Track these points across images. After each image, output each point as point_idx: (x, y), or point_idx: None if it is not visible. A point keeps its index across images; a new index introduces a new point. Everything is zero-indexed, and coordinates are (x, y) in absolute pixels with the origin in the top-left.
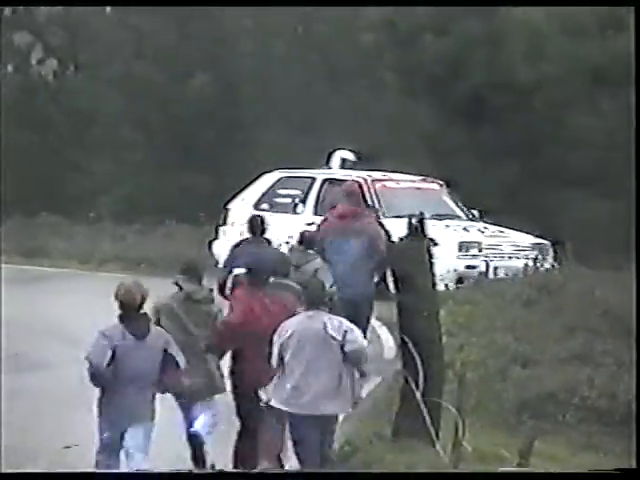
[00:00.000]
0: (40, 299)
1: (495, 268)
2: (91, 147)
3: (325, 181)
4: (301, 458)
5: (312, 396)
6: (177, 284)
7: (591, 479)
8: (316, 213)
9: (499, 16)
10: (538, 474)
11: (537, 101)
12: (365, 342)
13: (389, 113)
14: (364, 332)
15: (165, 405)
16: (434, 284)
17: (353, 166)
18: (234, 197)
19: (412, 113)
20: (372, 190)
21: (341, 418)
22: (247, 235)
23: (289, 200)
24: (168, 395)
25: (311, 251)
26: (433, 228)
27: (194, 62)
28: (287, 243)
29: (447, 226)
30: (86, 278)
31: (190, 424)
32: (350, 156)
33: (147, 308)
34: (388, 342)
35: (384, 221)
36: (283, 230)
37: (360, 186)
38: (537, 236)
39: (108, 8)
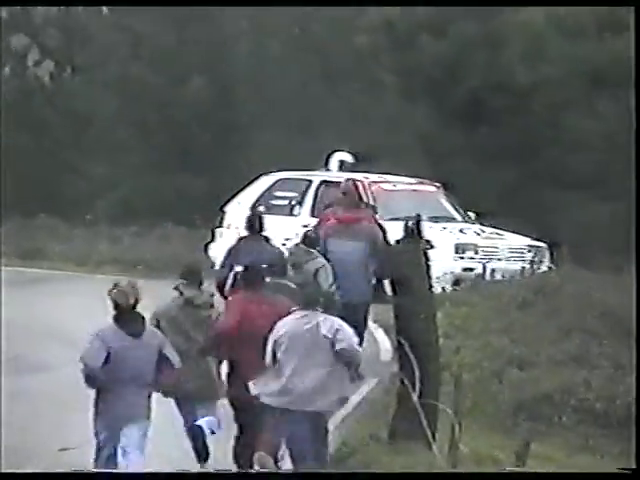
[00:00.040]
0: (38, 301)
1: (492, 270)
2: (88, 149)
3: (322, 183)
4: (293, 456)
5: (300, 393)
6: (177, 289)
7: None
8: (313, 215)
9: (497, 18)
10: (536, 474)
11: (535, 103)
12: (356, 340)
13: (387, 115)
14: (362, 333)
15: (165, 406)
16: (431, 286)
17: (351, 168)
18: (230, 199)
19: (410, 115)
20: (369, 192)
21: (338, 419)
22: (246, 233)
23: (286, 202)
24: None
25: (313, 250)
26: (430, 230)
27: (191, 64)
28: (284, 245)
29: (444, 228)
30: (83, 280)
31: (191, 426)
32: (348, 158)
33: (141, 308)
34: (385, 344)
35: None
36: (280, 232)
37: (357, 185)
38: (534, 238)
39: (105, 10)
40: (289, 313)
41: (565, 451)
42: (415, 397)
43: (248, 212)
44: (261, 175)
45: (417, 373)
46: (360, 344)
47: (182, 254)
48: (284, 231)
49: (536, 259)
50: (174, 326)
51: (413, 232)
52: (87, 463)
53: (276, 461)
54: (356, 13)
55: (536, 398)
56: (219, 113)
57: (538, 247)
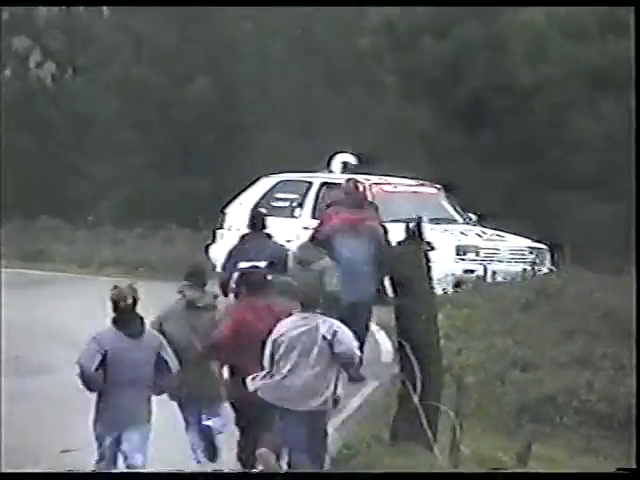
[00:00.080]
0: (40, 303)
1: (493, 272)
2: (90, 151)
3: (323, 185)
4: (289, 457)
5: (295, 391)
6: (181, 291)
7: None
8: (314, 217)
9: (499, 19)
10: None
11: (537, 104)
12: (356, 344)
13: (388, 116)
14: (364, 336)
15: (165, 407)
16: (432, 288)
17: (354, 169)
18: (232, 201)
19: (411, 116)
20: (369, 194)
21: (339, 421)
22: (248, 231)
23: (287, 204)
24: (166, 397)
25: (321, 249)
26: (431, 232)
27: (193, 65)
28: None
29: (445, 230)
30: (86, 282)
31: (201, 427)
32: (351, 159)
33: (144, 310)
34: (386, 346)
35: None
36: (281, 234)
37: (359, 185)
38: (535, 240)
39: (106, 11)
40: (289, 315)
41: (568, 453)
42: (416, 399)
43: (249, 213)
44: (262, 177)
45: (418, 375)
46: (362, 347)
47: (186, 256)
48: (285, 233)
49: (537, 261)
50: (177, 328)
51: (414, 234)
52: (88, 465)
53: (278, 458)
54: (357, 14)
55: (539, 400)
56: (222, 114)
57: (539, 249)
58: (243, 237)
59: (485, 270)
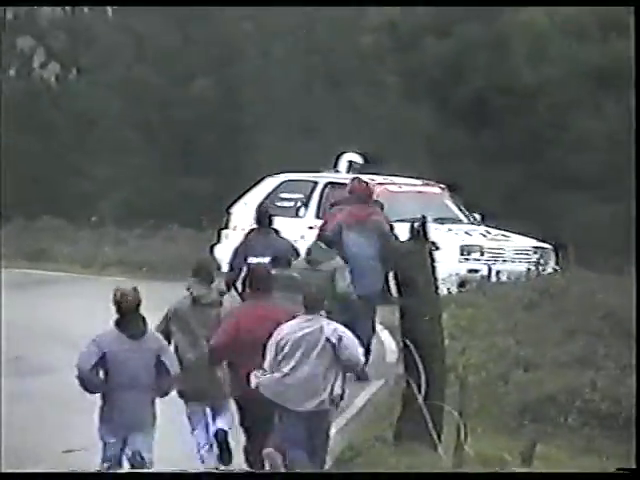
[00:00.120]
0: (42, 303)
1: (497, 272)
2: (93, 151)
3: (327, 184)
4: (290, 457)
5: (295, 391)
6: (188, 288)
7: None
8: (318, 216)
9: (500, 19)
10: (538, 474)
11: (539, 104)
12: (361, 350)
13: (390, 116)
14: (371, 332)
15: (169, 407)
16: (436, 288)
17: (361, 169)
18: (236, 201)
19: (413, 116)
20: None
21: (343, 421)
22: (254, 227)
23: (291, 204)
24: (169, 399)
25: (332, 250)
26: (435, 232)
27: (195, 65)
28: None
29: (449, 230)
30: (88, 282)
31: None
32: (358, 159)
33: (146, 310)
34: (390, 346)
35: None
36: (285, 233)
37: (364, 183)
38: (539, 240)
39: (110, 12)
40: (292, 318)
41: (570, 452)
42: (420, 398)
43: (254, 212)
44: (266, 176)
45: (422, 374)
46: (369, 346)
47: (188, 256)
48: (289, 232)
49: (541, 261)
50: (182, 325)
51: (419, 234)
52: (89, 465)
53: (285, 458)
54: (359, 14)
55: (541, 399)
56: (223, 114)
57: (544, 248)
58: (249, 233)
59: (489, 270)
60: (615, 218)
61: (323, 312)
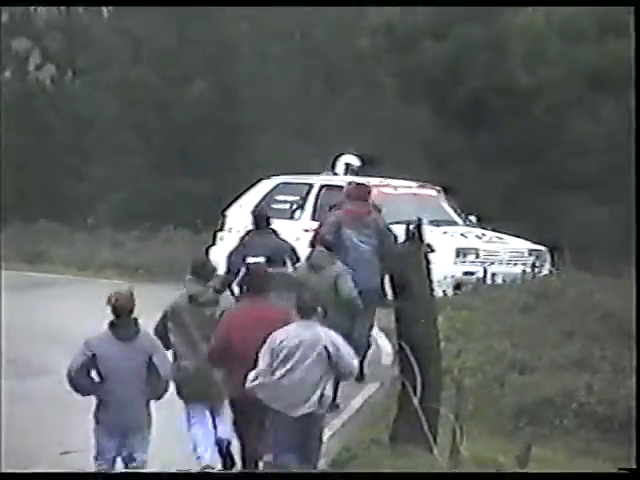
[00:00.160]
0: (40, 305)
1: (493, 274)
2: (89, 152)
3: (323, 187)
4: (280, 461)
5: (288, 396)
6: (185, 287)
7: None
8: (314, 219)
9: (498, 20)
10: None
11: (536, 106)
12: (355, 361)
13: (387, 118)
14: (369, 333)
15: (166, 407)
16: (432, 290)
17: (358, 171)
18: (232, 203)
19: (411, 118)
20: None
21: (339, 423)
22: (251, 228)
23: (287, 206)
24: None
25: (333, 254)
26: (431, 234)
27: (192, 66)
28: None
29: (445, 232)
30: (85, 284)
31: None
32: (355, 161)
33: (142, 313)
34: (386, 348)
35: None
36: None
37: (367, 187)
38: (535, 242)
39: (105, 13)
40: (289, 317)
41: (566, 455)
42: (416, 401)
43: (249, 215)
44: (262, 179)
45: (418, 377)
46: (369, 344)
47: (184, 258)
48: (285, 235)
49: (537, 263)
50: (178, 324)
51: (414, 236)
52: (88, 466)
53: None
54: (357, 15)
55: (537, 402)
56: (221, 116)
57: (539, 251)
58: (246, 235)
59: (485, 272)
60: (613, 220)
61: (318, 316)
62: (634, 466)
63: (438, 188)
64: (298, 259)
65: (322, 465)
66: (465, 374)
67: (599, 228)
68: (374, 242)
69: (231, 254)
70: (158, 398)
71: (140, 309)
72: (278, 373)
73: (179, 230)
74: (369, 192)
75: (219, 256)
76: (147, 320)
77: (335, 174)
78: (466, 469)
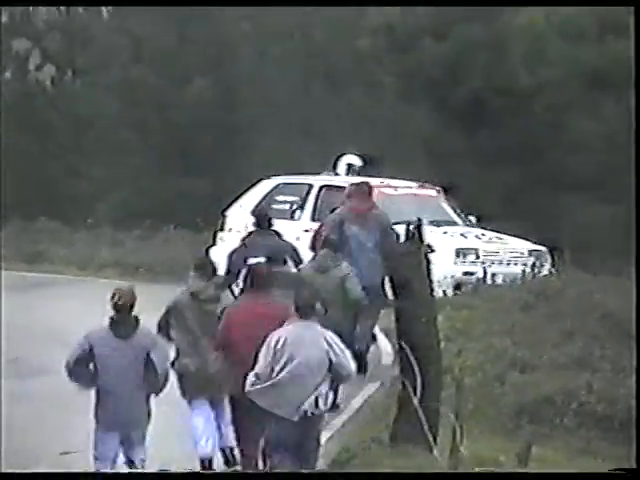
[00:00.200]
0: (40, 305)
1: (493, 274)
2: (89, 152)
3: (322, 187)
4: (275, 461)
5: (289, 400)
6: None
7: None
8: (314, 219)
9: (498, 20)
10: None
11: (536, 105)
12: (353, 365)
13: (387, 118)
14: (372, 331)
15: (166, 406)
16: (432, 290)
17: (360, 171)
18: (232, 203)
19: (411, 117)
20: None
21: (339, 423)
22: (253, 229)
23: (287, 206)
24: (168, 399)
25: (339, 256)
26: (431, 234)
27: (192, 66)
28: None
29: (445, 232)
30: (85, 284)
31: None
32: (356, 161)
33: (142, 312)
34: (386, 348)
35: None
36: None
37: (369, 185)
38: (535, 242)
39: (105, 13)
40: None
41: (566, 454)
42: (416, 400)
43: (250, 216)
44: (262, 179)
45: (418, 376)
46: (373, 339)
47: (185, 257)
48: (285, 235)
49: (537, 263)
50: (180, 320)
51: (414, 236)
52: (88, 466)
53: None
54: (357, 15)
55: (538, 401)
56: (221, 115)
57: (539, 251)
58: (248, 236)
59: (485, 272)
60: (613, 219)
61: (317, 314)
62: (634, 465)
63: (438, 188)
64: (300, 260)
65: (322, 465)
66: (465, 373)
67: (599, 228)
68: (377, 239)
69: (232, 254)
70: (157, 394)
71: (140, 308)
72: (276, 376)
73: (179, 230)
74: (371, 190)
75: (219, 256)
76: (148, 319)
77: (337, 174)
78: (466, 468)
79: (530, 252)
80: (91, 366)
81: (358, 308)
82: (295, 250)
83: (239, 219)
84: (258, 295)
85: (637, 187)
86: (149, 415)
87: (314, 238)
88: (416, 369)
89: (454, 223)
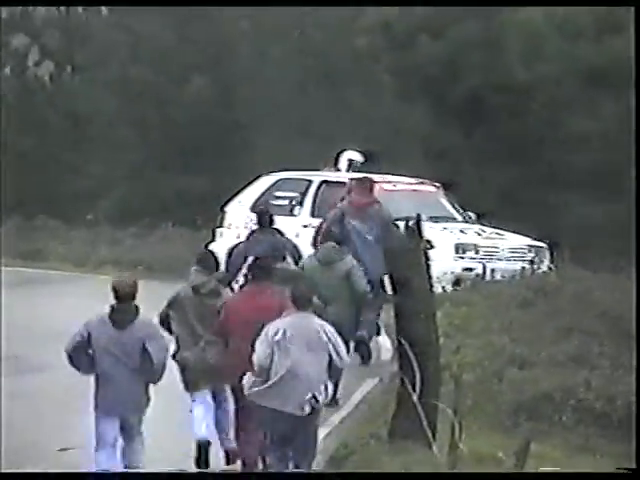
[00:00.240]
0: (38, 302)
1: (492, 270)
2: (88, 149)
3: (322, 183)
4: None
5: (290, 395)
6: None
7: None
8: (313, 215)
9: (496, 18)
10: (535, 475)
11: (534, 103)
12: (347, 358)
13: (386, 115)
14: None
15: (165, 405)
16: (431, 286)
17: (361, 167)
18: (231, 199)
19: (409, 115)
20: None
21: (337, 419)
22: (255, 227)
23: (286, 202)
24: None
25: (343, 249)
26: (430, 230)
27: (191, 64)
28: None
29: (444, 228)
30: (84, 281)
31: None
32: (358, 157)
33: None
34: (385, 344)
35: None
36: None
37: (370, 179)
38: (534, 238)
39: (105, 10)
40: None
41: (565, 451)
42: (415, 396)
43: (249, 212)
44: (261, 175)
45: (417, 373)
46: (378, 332)
47: (183, 255)
48: (284, 231)
49: (536, 259)
50: (180, 313)
51: (413, 232)
52: (87, 464)
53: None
54: (355, 14)
55: (536, 398)
56: (219, 113)
57: (538, 247)
58: (251, 234)
59: (484, 268)
60: (612, 217)
61: (314, 307)
62: (633, 463)
63: (437, 184)
64: (300, 257)
65: (320, 461)
66: (464, 370)
67: (598, 225)
68: (378, 233)
69: (231, 251)
70: (154, 383)
71: (140, 306)
72: (278, 371)
73: (177, 227)
74: (373, 185)
75: (218, 252)
76: (147, 315)
77: (338, 170)
78: (465, 465)
79: (529, 248)
80: (90, 352)
81: (363, 301)
82: (295, 247)
83: (238, 215)
84: (259, 286)
85: (637, 185)
86: (148, 401)
87: (316, 234)
88: (415, 365)
89: (453, 219)
